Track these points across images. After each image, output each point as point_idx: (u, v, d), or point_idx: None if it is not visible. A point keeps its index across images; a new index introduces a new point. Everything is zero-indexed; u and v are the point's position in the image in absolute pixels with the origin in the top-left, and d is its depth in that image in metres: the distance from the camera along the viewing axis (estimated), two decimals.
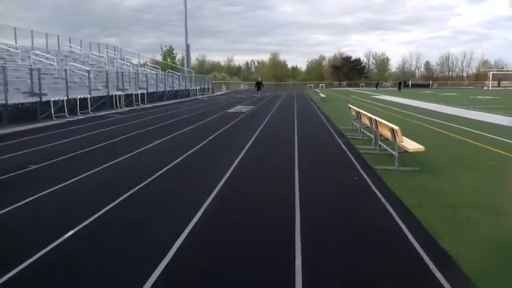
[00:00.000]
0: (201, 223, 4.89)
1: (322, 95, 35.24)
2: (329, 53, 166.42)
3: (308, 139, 11.68)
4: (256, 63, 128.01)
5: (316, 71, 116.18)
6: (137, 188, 6.44)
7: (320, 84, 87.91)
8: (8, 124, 15.26)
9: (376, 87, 77.17)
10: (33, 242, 4.32)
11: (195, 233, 4.58)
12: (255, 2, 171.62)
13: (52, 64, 24.17)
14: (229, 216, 5.17)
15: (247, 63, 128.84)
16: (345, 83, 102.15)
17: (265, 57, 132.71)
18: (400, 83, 64.86)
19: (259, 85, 46.04)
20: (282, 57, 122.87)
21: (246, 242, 4.37)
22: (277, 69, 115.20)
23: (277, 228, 4.74)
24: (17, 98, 17.25)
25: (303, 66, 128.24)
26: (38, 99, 17.90)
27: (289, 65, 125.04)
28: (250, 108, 25.43)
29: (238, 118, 18.35)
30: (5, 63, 19.38)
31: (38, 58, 25.03)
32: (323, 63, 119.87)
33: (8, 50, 25.26)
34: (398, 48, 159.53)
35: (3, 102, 15.64)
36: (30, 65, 21.05)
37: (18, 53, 24.67)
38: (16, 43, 27.31)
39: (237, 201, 5.80)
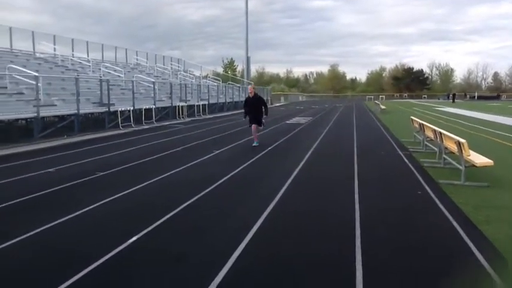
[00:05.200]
0: (255, 239, 4.92)
1: (383, 107, 34.50)
2: (389, 64, 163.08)
3: (368, 151, 11.46)
4: (314, 75, 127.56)
5: (376, 82, 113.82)
6: (198, 196, 6.60)
7: (380, 96, 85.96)
8: (79, 132, 16.15)
9: (449, 98, 73.66)
10: (99, 245, 4.55)
11: (251, 247, 4.62)
12: (314, 14, 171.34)
13: (120, 76, 25.39)
14: (286, 230, 5.17)
15: (305, 74, 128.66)
16: (406, 94, 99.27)
17: (324, 69, 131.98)
18: (453, 95, 66.60)
19: None
20: (340, 68, 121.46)
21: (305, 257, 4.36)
22: (335, 81, 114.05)
23: (337, 247, 4.69)
24: (87, 108, 18.26)
25: (362, 77, 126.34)
26: (107, 109, 18.85)
27: (348, 76, 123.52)
28: (308, 119, 25.34)
29: (297, 129, 18.34)
30: (78, 75, 20.62)
31: (107, 70, 26.39)
32: (383, 75, 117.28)
33: (81, 62, 26.85)
34: (463, 59, 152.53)
35: (75, 111, 16.59)
36: (100, 77, 22.22)
37: (89, 66, 26.18)
38: (88, 56, 28.97)
39: (294, 215, 5.79)
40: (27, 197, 6.58)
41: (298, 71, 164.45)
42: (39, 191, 6.97)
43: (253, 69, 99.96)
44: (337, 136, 15.61)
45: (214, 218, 5.51)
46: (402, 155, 10.80)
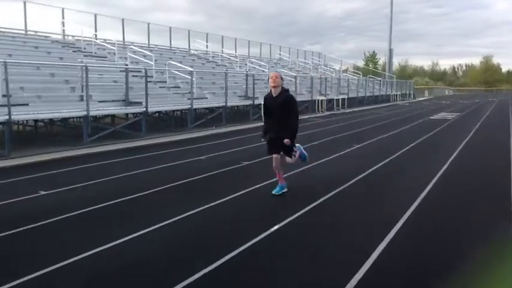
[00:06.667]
0: (404, 229, 4.98)
1: None
2: None
3: None
4: (464, 67, 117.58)
5: None
6: (338, 189, 6.82)
7: None
8: (226, 124, 17.44)
9: None
10: (243, 232, 5.05)
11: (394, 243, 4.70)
12: (463, 2, 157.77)
13: (264, 71, 26.59)
14: (433, 227, 5.13)
15: (453, 67, 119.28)
16: None
17: (475, 61, 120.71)
18: None
19: None
20: (494, 60, 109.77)
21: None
22: (488, 74, 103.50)
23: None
24: (234, 101, 19.60)
25: None
26: (251, 102, 19.99)
27: (504, 68, 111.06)
28: (455, 115, 23.70)
29: (442, 126, 17.35)
30: (227, 70, 22.20)
31: (252, 65, 27.84)
32: None
33: (229, 58, 28.82)
34: None
35: (224, 104, 17.94)
36: (246, 72, 23.57)
37: (237, 61, 27.95)
38: (236, 52, 30.88)
39: (445, 211, 5.68)
40: (181, 181, 7.48)
41: (444, 64, 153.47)
42: (192, 176, 7.83)
43: (396, 62, 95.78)
44: (490, 136, 14.24)
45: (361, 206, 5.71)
46: None
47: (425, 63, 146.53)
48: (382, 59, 76.01)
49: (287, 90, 6.55)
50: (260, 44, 35.04)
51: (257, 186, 7.04)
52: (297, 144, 6.75)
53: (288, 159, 6.64)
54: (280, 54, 37.68)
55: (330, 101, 28.32)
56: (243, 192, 6.67)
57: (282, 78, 6.57)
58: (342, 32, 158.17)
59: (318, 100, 26.50)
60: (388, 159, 9.56)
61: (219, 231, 4.99)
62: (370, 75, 44.74)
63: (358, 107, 32.21)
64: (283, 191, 6.56)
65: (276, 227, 5.00)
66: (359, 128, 16.51)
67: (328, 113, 25.88)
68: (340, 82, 32.93)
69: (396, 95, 45.27)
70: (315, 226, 5.12)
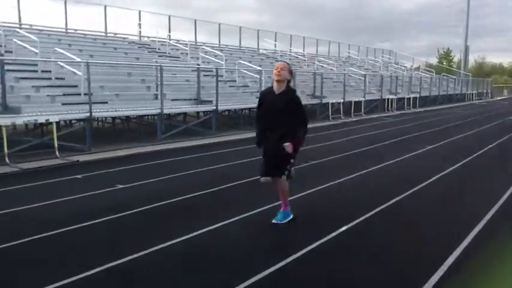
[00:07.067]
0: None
1: None
2: None
3: None
4: None
5: None
6: (412, 190, 6.64)
7: None
8: None
9: None
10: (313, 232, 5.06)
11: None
12: None
13: (332, 69, 26.32)
14: None
15: None
16: None
17: None
18: None
19: None
20: None
21: None
22: None
23: None
24: (301, 100, 19.52)
25: None
26: (319, 101, 19.86)
27: None
28: None
29: None
30: (295, 69, 22.18)
31: (320, 64, 27.62)
32: None
33: (297, 57, 28.75)
34: None
35: None
36: (314, 70, 23.42)
37: (305, 60, 27.86)
38: (304, 51, 30.78)
39: None
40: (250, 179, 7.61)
41: None
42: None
43: (472, 59, 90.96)
44: None
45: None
46: None
47: (504, 60, 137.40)
48: (457, 56, 72.43)
49: (294, 92, 5.20)
50: (329, 43, 34.69)
51: (326, 184, 7.02)
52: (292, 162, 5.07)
53: (282, 185, 5.02)
54: (349, 53, 37.09)
55: (400, 99, 27.47)
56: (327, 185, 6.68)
57: (291, 71, 5.15)
58: (415, 29, 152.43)
59: (388, 99, 25.80)
60: (464, 160, 9.15)
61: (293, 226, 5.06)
62: (444, 73, 42.81)
63: (430, 106, 30.97)
64: (289, 218, 5.15)
65: (361, 219, 4.99)
66: (431, 128, 15.88)
67: (398, 112, 25.12)
68: (411, 80, 31.82)
69: (472, 93, 43.05)
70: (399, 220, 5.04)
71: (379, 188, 6.93)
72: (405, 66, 41.04)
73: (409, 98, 28.53)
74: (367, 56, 38.01)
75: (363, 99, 23.03)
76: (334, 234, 4.73)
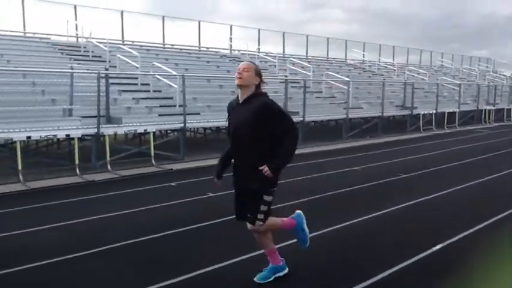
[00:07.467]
0: None
1: None
2: None
3: None
4: None
5: None
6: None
7: None
8: (381, 134, 17.09)
9: None
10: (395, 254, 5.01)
11: None
12: None
13: (424, 79, 25.37)
14: None
15: None
16: None
17: None
18: None
19: None
20: None
21: None
22: None
23: None
24: (390, 111, 19.09)
25: None
26: (409, 112, 19.25)
27: None
28: None
29: None
30: (384, 79, 21.77)
31: (411, 74, 26.73)
32: None
33: (386, 67, 28.11)
34: None
35: (379, 114, 17.62)
36: (404, 80, 22.76)
37: (394, 70, 27.13)
38: (393, 60, 30.02)
39: None
40: (339, 191, 7.66)
41: None
42: (346, 187, 7.88)
43: None
44: None
45: None
46: None
47: None
48: None
49: (264, 95, 3.66)
50: (420, 52, 33.42)
51: (418, 200, 6.87)
52: (297, 211, 4.08)
53: (258, 230, 3.79)
54: (442, 61, 35.44)
55: (499, 110, 25.73)
56: (404, 205, 6.58)
57: (259, 73, 3.64)
58: None
59: (485, 110, 24.30)
60: None
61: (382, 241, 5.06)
62: None
63: None
64: (261, 280, 3.84)
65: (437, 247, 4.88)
66: None
67: (496, 124, 23.56)
68: (511, 90, 29.69)
69: None
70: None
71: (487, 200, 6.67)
72: (504, 75, 38.31)
73: (509, 108, 26.63)
74: (461, 65, 36.09)
75: (457, 110, 21.91)
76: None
